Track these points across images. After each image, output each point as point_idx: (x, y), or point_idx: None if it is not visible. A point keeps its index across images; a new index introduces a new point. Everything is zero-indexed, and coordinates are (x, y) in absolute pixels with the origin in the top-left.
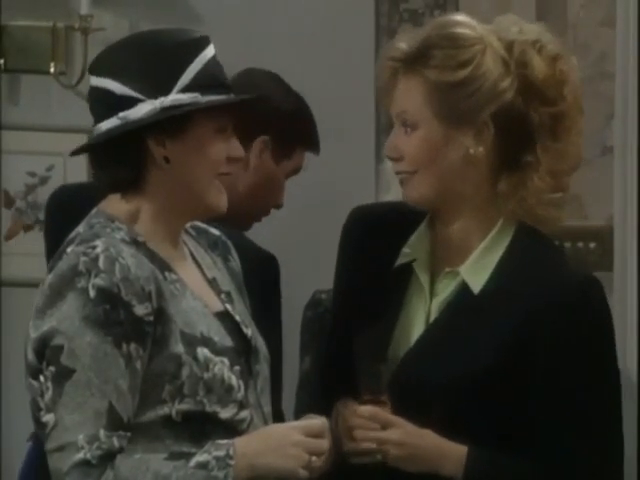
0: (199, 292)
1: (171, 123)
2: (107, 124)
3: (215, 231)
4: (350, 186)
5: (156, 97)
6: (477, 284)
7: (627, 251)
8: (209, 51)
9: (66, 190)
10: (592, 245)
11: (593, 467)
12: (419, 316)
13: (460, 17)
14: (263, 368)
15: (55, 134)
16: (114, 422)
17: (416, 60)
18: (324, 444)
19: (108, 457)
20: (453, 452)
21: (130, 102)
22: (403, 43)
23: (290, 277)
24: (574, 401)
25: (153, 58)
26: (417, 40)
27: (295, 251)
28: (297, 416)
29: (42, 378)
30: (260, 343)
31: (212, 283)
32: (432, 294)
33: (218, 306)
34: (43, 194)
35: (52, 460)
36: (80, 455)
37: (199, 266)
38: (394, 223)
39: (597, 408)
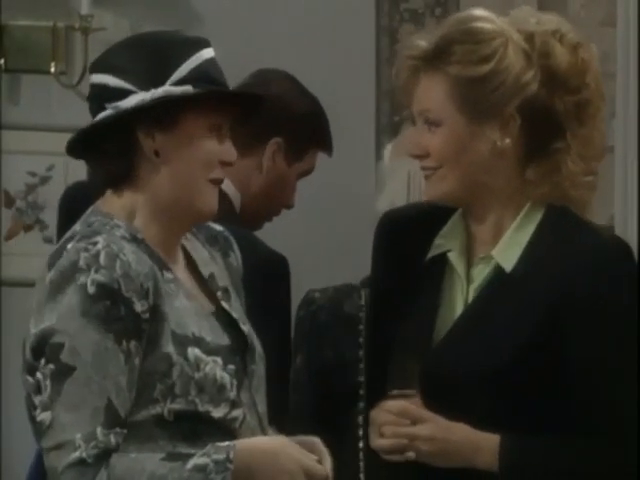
0: (194, 291)
1: (161, 114)
2: (100, 116)
3: (217, 226)
4: (350, 186)
5: (149, 89)
6: (509, 263)
7: None
8: (208, 52)
9: (79, 187)
10: None
11: (631, 441)
12: (458, 305)
13: (479, 11)
14: (258, 367)
15: (55, 134)
16: (112, 419)
17: (437, 57)
18: None
19: (104, 456)
20: (486, 444)
21: (123, 93)
22: (422, 41)
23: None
24: (612, 374)
25: (149, 53)
26: (436, 37)
27: (292, 250)
28: (291, 415)
29: (39, 375)
30: (256, 342)
31: (209, 280)
32: (468, 282)
33: (214, 304)
34: (43, 194)
35: (48, 459)
36: (76, 454)
37: (195, 265)
38: (424, 221)
39: (634, 380)
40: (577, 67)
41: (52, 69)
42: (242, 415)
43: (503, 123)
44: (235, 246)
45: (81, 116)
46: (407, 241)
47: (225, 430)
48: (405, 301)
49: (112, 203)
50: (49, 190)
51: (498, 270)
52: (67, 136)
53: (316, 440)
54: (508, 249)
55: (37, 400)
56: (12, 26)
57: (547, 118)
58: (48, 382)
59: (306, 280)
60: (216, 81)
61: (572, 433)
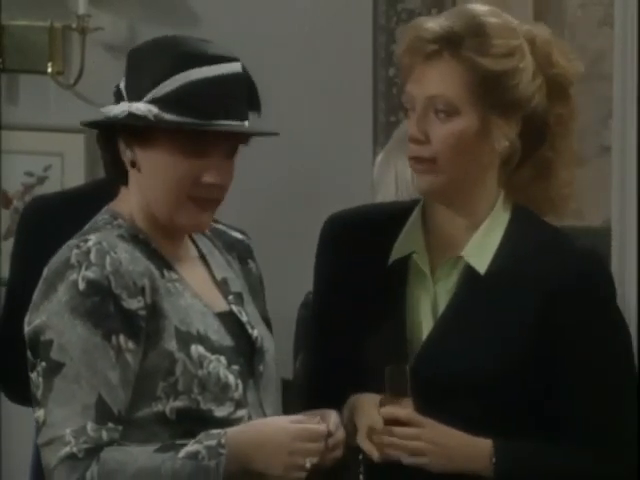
0: (202, 292)
1: (136, 130)
2: (93, 118)
3: (237, 234)
4: (349, 185)
5: (132, 100)
6: (482, 265)
7: (625, 252)
8: (213, 70)
9: (40, 202)
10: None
11: (624, 446)
12: (425, 305)
13: (489, 7)
14: (269, 369)
15: (53, 134)
16: (103, 415)
17: (456, 44)
18: (322, 447)
19: (95, 451)
20: (480, 448)
21: (118, 97)
22: (437, 26)
23: (284, 275)
24: (602, 377)
25: (148, 60)
26: (453, 25)
27: (292, 250)
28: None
29: (35, 374)
30: (268, 345)
31: (221, 284)
32: (434, 282)
33: (223, 306)
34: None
35: (43, 455)
36: (67, 449)
37: (209, 267)
38: (374, 224)
39: (624, 374)
40: (571, 78)
41: (49, 69)
42: (247, 416)
43: (511, 124)
44: (254, 254)
45: (79, 116)
46: (358, 245)
47: None
48: (364, 308)
49: (122, 202)
50: (46, 190)
51: (469, 271)
52: (65, 136)
53: (328, 410)
54: (479, 250)
55: (37, 397)
56: (10, 26)
57: (539, 125)
58: (41, 379)
59: (307, 280)
60: (197, 107)
61: (563, 437)
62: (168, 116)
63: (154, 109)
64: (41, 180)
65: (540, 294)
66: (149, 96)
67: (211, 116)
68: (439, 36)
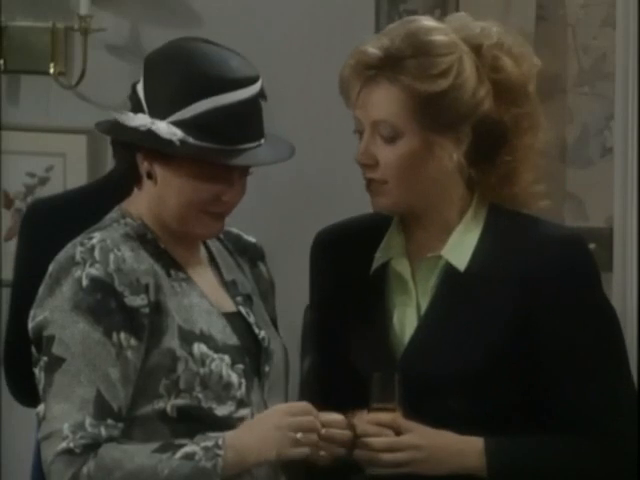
0: (210, 293)
1: (155, 149)
2: (107, 120)
3: (250, 238)
4: (349, 186)
5: (153, 116)
6: (461, 262)
7: (627, 252)
8: (237, 95)
9: (42, 203)
10: (592, 246)
11: (613, 438)
12: (409, 307)
13: (431, 22)
14: (275, 371)
15: (55, 135)
16: (102, 411)
17: (393, 67)
18: (312, 420)
19: (93, 447)
20: (471, 447)
21: (137, 107)
22: (375, 49)
23: (288, 278)
24: (589, 369)
25: (173, 76)
26: (392, 47)
27: (294, 252)
28: None
29: (38, 369)
30: (275, 346)
31: (230, 285)
32: (415, 284)
33: (230, 307)
34: (42, 195)
35: (42, 450)
36: (64, 444)
37: (218, 269)
38: (361, 236)
39: (612, 360)
40: (523, 78)
41: (51, 70)
42: (250, 415)
43: (456, 140)
44: (266, 259)
45: (80, 117)
46: (345, 258)
47: (231, 429)
48: (352, 316)
49: (133, 202)
50: (48, 191)
51: (449, 269)
52: (66, 137)
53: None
54: (458, 249)
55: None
56: (11, 27)
57: (495, 132)
58: (42, 374)
59: (305, 282)
60: (223, 131)
61: (552, 431)
62: (192, 141)
63: (178, 132)
64: (43, 181)
65: (520, 287)
66: (173, 118)
67: (234, 141)
68: (379, 59)
